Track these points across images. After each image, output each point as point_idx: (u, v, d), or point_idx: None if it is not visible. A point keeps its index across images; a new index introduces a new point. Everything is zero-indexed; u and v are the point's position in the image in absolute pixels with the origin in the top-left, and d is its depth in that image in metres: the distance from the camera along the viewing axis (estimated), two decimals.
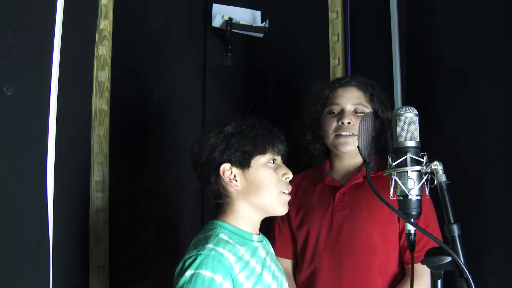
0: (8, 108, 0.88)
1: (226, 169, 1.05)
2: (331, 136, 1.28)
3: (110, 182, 1.57)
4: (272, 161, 1.08)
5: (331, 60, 1.87)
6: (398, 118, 0.89)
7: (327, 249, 1.24)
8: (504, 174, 1.22)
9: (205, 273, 0.90)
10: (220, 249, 0.95)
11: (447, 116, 1.39)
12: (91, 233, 1.49)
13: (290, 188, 1.10)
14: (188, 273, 0.91)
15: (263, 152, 1.06)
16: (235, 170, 1.05)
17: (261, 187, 1.05)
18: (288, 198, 1.09)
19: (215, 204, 1.10)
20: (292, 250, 1.35)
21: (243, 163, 1.05)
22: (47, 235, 0.99)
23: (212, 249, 0.94)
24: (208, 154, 1.06)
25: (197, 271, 0.91)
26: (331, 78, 1.85)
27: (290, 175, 1.09)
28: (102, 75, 1.57)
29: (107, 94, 1.58)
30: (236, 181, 1.05)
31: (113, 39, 1.61)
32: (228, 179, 1.05)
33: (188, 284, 0.90)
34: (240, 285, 0.95)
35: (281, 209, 1.08)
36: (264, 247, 1.11)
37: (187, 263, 0.93)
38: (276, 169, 1.08)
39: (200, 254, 0.93)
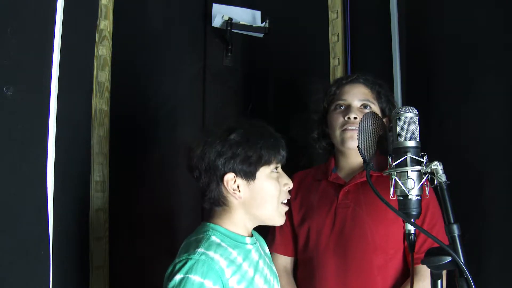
0: (8, 108, 0.88)
1: (230, 179, 1.02)
2: (338, 131, 1.28)
3: (110, 182, 1.57)
4: (275, 169, 1.07)
5: (331, 60, 1.87)
6: (398, 118, 0.89)
7: (329, 247, 1.23)
8: (504, 174, 1.22)
9: (195, 278, 0.89)
10: (211, 253, 0.94)
11: (447, 116, 1.39)
12: (91, 233, 1.49)
13: (289, 197, 1.10)
14: (178, 277, 0.90)
15: (268, 163, 1.04)
16: (239, 181, 1.02)
17: (265, 199, 1.04)
18: (286, 209, 1.09)
19: (209, 207, 1.08)
20: (293, 247, 1.35)
21: (249, 175, 1.02)
22: (47, 235, 0.99)
23: (202, 253, 0.93)
24: (212, 161, 1.02)
25: (187, 275, 0.90)
26: (331, 78, 1.85)
27: (291, 185, 1.09)
28: (102, 75, 1.57)
29: (107, 94, 1.58)
30: (240, 191, 1.03)
31: (113, 39, 1.60)
32: (232, 189, 1.02)
33: None
34: None
35: (279, 220, 1.08)
36: (257, 250, 1.09)
37: (177, 267, 0.92)
38: (278, 178, 1.06)
39: (191, 258, 0.92)
